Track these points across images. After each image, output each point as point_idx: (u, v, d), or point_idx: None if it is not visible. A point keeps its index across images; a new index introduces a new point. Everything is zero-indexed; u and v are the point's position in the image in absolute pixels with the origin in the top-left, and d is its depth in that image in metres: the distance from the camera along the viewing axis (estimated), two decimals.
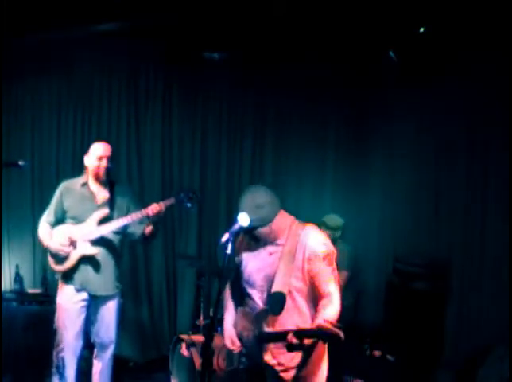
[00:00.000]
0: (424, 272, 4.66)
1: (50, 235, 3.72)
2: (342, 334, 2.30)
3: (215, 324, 2.68)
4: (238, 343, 2.80)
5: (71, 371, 3.74)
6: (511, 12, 3.79)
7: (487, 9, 3.94)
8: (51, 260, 3.72)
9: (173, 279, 5.54)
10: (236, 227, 2.61)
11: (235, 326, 2.85)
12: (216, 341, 3.06)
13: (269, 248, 2.75)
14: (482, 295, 4.55)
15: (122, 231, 3.78)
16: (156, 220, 3.69)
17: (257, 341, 2.70)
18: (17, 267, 5.01)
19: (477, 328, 4.55)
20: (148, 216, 3.63)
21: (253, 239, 2.76)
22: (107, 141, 5.25)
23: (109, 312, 3.77)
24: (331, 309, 2.59)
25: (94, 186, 3.76)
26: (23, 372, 4.35)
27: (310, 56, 5.15)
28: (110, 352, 3.83)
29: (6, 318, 4.37)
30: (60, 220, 3.76)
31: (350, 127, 5.67)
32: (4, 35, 4.44)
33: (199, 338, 4.11)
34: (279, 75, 5.42)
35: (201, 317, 4.42)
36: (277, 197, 2.71)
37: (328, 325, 2.33)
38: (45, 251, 3.79)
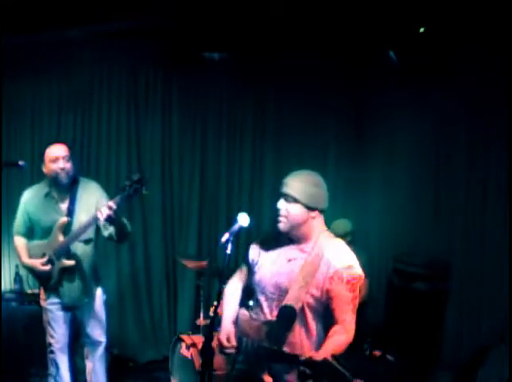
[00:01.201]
0: (424, 272, 4.66)
1: (26, 252, 3.67)
2: (348, 375, 2.07)
3: (215, 324, 2.64)
4: (234, 342, 2.56)
5: (65, 370, 3.75)
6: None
7: (488, 9, 3.93)
8: (36, 280, 3.72)
9: (173, 279, 5.53)
10: (236, 227, 2.56)
11: (236, 327, 2.63)
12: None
13: (290, 253, 2.55)
14: (483, 295, 4.55)
15: (94, 237, 3.68)
16: (111, 220, 3.38)
17: (258, 355, 2.49)
18: (17, 267, 5.00)
19: (477, 328, 4.55)
20: (101, 220, 3.34)
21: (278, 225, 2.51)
22: (108, 139, 5.35)
23: (93, 315, 3.74)
24: (341, 339, 2.39)
25: (57, 194, 3.61)
26: (23, 372, 4.35)
27: (309, 57, 5.15)
28: (100, 351, 3.80)
29: (6, 318, 4.37)
30: (30, 228, 3.70)
31: (350, 127, 5.67)
32: (4, 35, 4.44)
33: (199, 338, 4.11)
34: (279, 75, 5.42)
35: (201, 317, 4.42)
36: (328, 198, 2.54)
37: (334, 362, 2.10)
38: (28, 268, 3.71)
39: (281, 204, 2.50)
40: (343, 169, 5.62)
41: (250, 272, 2.69)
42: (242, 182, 5.58)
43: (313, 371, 2.16)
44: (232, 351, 2.57)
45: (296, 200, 2.46)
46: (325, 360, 2.13)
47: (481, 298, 4.56)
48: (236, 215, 2.61)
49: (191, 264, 4.69)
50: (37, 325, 3.93)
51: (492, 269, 4.48)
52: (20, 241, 3.74)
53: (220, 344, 2.58)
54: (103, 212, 3.27)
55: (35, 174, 5.19)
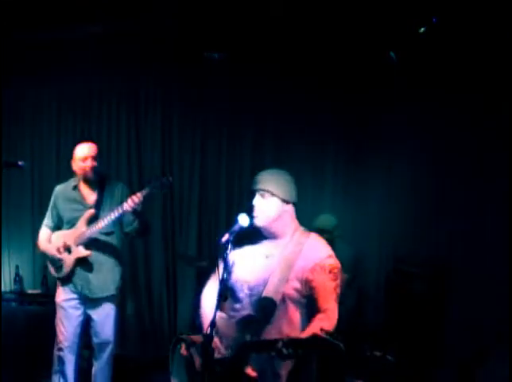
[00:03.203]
0: (423, 272, 4.66)
1: (48, 240, 3.76)
2: (342, 346, 2.07)
3: (215, 324, 2.64)
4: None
5: (70, 369, 3.76)
6: None
7: (489, 9, 3.94)
8: (50, 268, 3.76)
9: (173, 279, 5.53)
10: (236, 227, 2.56)
11: (216, 333, 2.62)
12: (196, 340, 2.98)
13: (266, 249, 2.62)
14: (483, 295, 4.55)
15: (116, 230, 3.74)
16: (137, 212, 3.53)
17: (240, 351, 2.51)
18: (17, 267, 5.02)
19: (477, 328, 4.55)
20: (128, 211, 3.48)
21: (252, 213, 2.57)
22: (108, 141, 5.36)
23: (106, 313, 3.77)
24: (324, 324, 2.39)
25: (84, 188, 3.75)
26: (23, 372, 4.35)
27: (310, 58, 5.14)
28: (108, 352, 3.82)
29: (6, 318, 4.37)
30: (57, 223, 3.80)
31: (350, 130, 5.65)
32: (5, 36, 4.45)
33: (199, 338, 4.10)
34: (279, 76, 5.40)
35: None
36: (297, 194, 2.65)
37: (324, 335, 2.11)
38: (44, 256, 3.83)
39: (257, 200, 2.58)
40: (342, 169, 5.61)
41: (227, 271, 2.68)
42: (242, 182, 5.56)
43: (295, 350, 2.15)
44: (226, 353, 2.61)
45: (272, 195, 2.56)
46: (314, 336, 2.15)
47: (481, 298, 4.55)
48: (236, 215, 2.61)
49: (191, 264, 4.69)
50: (37, 325, 3.94)
51: (492, 269, 4.48)
52: (45, 231, 3.82)
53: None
54: (130, 203, 3.41)
55: (35, 175, 5.21)
